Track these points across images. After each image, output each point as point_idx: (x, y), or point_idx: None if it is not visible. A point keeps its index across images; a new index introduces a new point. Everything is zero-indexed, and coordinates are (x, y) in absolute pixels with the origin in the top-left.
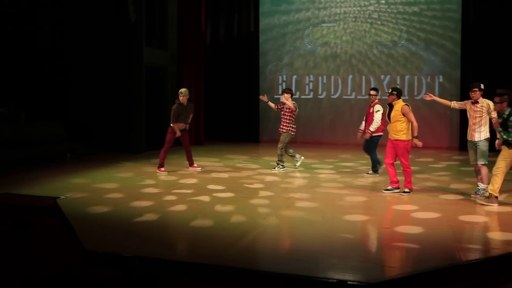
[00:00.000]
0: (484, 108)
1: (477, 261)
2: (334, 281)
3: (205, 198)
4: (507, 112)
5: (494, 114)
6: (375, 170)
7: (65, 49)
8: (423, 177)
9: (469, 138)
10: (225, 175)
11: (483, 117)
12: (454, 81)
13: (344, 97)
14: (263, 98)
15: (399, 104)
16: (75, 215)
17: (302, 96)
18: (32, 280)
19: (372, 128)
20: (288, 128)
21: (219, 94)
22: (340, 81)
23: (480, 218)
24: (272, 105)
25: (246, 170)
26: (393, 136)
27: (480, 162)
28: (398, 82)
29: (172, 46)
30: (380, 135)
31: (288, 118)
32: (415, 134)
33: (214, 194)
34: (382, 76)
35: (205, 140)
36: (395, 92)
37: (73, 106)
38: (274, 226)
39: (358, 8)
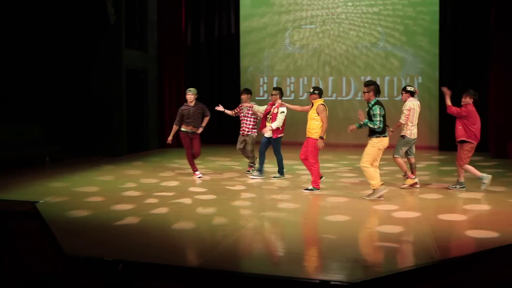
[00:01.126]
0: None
1: (456, 259)
2: (317, 281)
3: (187, 201)
4: (372, 102)
5: (402, 115)
6: (281, 172)
7: (43, 51)
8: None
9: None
10: (206, 177)
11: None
12: (433, 81)
13: (325, 98)
14: (219, 108)
15: (316, 103)
16: (54, 219)
17: (284, 98)
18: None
19: (274, 125)
20: (254, 131)
21: (200, 96)
22: (321, 83)
23: (459, 217)
24: (229, 112)
25: (228, 172)
26: (307, 133)
27: (393, 155)
28: (378, 82)
29: (153, 48)
30: (281, 136)
31: (253, 120)
32: (322, 134)
33: (196, 197)
34: (362, 77)
35: None
36: (316, 92)
37: (52, 108)
38: (256, 227)
39: (339, 10)
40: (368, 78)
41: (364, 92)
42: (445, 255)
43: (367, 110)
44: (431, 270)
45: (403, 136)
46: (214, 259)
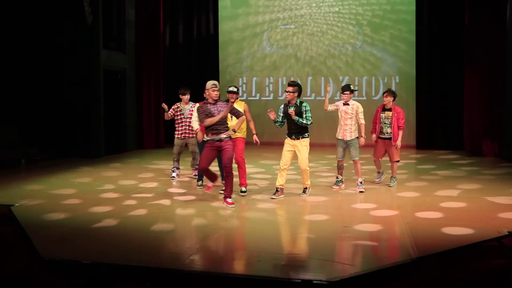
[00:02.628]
0: (354, 110)
1: (433, 256)
2: (298, 281)
3: (166, 202)
4: (299, 101)
5: (361, 116)
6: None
7: (18, 51)
8: None
9: (339, 137)
10: (186, 178)
11: (353, 118)
12: (410, 80)
13: (304, 98)
14: (164, 106)
15: (241, 103)
16: (30, 223)
17: (263, 98)
18: None
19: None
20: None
21: (179, 96)
22: (299, 82)
23: (435, 214)
24: (166, 115)
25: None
26: (236, 134)
27: (355, 158)
28: (356, 82)
29: (131, 48)
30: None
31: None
32: (255, 131)
33: (175, 198)
34: (341, 77)
35: (165, 143)
36: (237, 90)
37: (28, 110)
38: (236, 228)
39: (317, 10)
40: (347, 78)
41: (289, 92)
42: (422, 252)
43: (292, 108)
44: (408, 267)
45: (358, 138)
46: (194, 261)
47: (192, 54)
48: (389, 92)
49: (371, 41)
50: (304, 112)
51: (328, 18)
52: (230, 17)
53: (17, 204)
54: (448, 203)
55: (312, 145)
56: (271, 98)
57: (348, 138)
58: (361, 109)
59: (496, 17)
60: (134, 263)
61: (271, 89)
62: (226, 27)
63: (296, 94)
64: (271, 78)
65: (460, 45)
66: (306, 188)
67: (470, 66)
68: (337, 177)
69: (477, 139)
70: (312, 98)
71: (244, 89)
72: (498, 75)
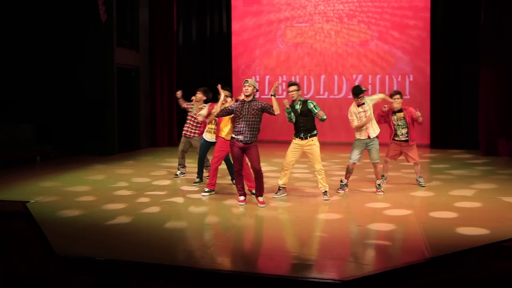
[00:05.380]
0: (367, 109)
1: (447, 256)
2: (312, 280)
3: (179, 200)
4: (302, 99)
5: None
6: (201, 177)
7: (34, 50)
8: (394, 175)
9: (362, 137)
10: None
11: (369, 116)
12: (424, 79)
13: (317, 96)
14: (178, 94)
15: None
16: (45, 219)
17: (277, 96)
18: None
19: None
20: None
21: (193, 94)
22: (312, 81)
23: (450, 214)
24: (181, 102)
25: (219, 170)
26: (229, 135)
27: (377, 161)
28: (370, 81)
29: (144, 46)
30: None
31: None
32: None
33: (188, 195)
34: (354, 76)
35: (178, 141)
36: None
37: (43, 107)
38: (248, 226)
39: (331, 8)
40: (360, 77)
41: (293, 91)
42: (436, 253)
43: (298, 106)
44: (422, 267)
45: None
46: (206, 258)
47: (205, 53)
48: (398, 93)
49: (385, 40)
50: (315, 108)
51: (342, 16)
52: (243, 16)
53: (32, 201)
54: (462, 203)
55: (324, 144)
56: (283, 96)
57: (373, 135)
58: (372, 102)
59: None
60: (147, 260)
61: (284, 88)
62: (239, 26)
63: (299, 92)
64: (284, 76)
65: (475, 42)
66: (326, 191)
67: (486, 64)
68: (341, 181)
69: (492, 138)
70: (325, 96)
71: (257, 87)
72: None
